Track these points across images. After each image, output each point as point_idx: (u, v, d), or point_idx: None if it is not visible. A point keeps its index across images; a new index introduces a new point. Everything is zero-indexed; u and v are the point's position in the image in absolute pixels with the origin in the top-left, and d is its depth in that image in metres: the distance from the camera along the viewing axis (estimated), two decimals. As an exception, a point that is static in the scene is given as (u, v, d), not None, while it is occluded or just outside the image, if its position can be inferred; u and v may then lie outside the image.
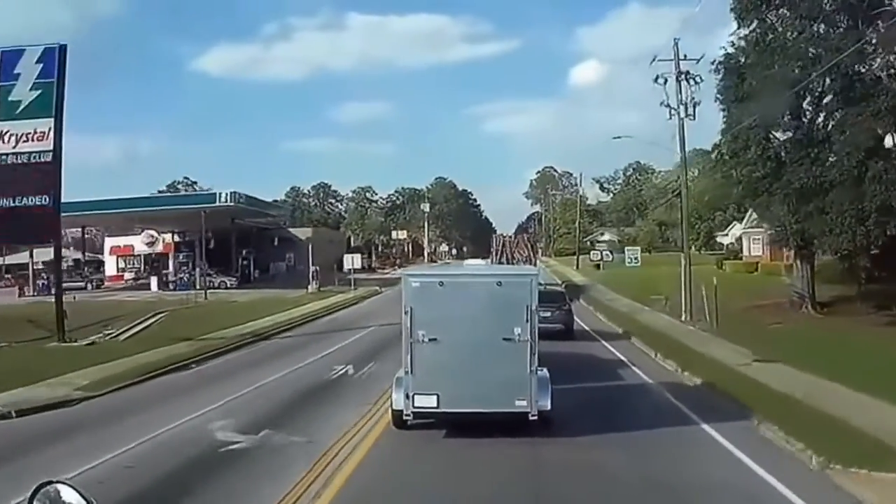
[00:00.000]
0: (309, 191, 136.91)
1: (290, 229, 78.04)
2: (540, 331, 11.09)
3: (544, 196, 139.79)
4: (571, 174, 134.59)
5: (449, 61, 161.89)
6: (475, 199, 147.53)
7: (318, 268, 50.24)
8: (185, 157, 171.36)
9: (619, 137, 33.70)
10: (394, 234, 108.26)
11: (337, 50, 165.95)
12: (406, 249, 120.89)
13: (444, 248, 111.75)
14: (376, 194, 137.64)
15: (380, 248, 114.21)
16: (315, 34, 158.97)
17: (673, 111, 26.66)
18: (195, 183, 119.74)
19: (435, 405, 10.77)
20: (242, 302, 40.56)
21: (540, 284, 12.83)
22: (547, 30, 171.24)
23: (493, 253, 38.43)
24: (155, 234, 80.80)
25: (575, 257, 78.48)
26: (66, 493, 3.05)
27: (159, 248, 78.73)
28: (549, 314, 20.23)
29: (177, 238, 77.74)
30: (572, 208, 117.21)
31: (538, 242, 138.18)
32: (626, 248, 40.51)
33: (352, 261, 47.88)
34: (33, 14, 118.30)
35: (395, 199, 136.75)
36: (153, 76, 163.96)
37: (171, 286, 54.53)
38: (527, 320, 10.78)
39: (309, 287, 48.31)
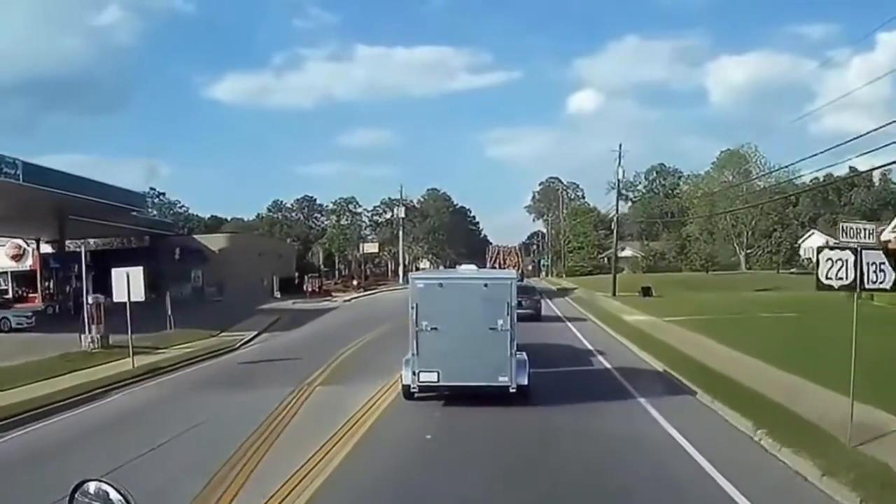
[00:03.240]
0: (292, 205, 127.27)
1: (199, 237, 56.46)
2: (517, 315, 13.75)
3: (548, 209, 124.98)
4: (578, 185, 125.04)
5: (452, 90, 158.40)
6: (473, 216, 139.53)
7: (100, 298, 23.81)
8: (192, 182, 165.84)
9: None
10: (363, 246, 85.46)
11: (344, 79, 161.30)
12: (387, 266, 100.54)
13: (424, 264, 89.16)
14: (360, 206, 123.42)
15: (356, 265, 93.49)
16: (323, 64, 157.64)
17: None
18: (163, 194, 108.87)
19: (436, 380, 13.54)
20: None
21: (519, 281, 16.99)
22: (546, 60, 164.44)
23: (488, 259, 39.79)
24: (22, 243, 60.47)
25: (603, 276, 57.13)
26: (106, 490, 3.13)
27: (28, 262, 58.89)
28: (523, 302, 24.27)
29: (47, 248, 58.14)
30: (583, 216, 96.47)
31: (542, 260, 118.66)
32: None
33: (127, 284, 19.36)
34: (54, 46, 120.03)
35: (380, 210, 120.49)
36: (167, 103, 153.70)
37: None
38: (507, 314, 13.37)
39: (83, 337, 23.73)
